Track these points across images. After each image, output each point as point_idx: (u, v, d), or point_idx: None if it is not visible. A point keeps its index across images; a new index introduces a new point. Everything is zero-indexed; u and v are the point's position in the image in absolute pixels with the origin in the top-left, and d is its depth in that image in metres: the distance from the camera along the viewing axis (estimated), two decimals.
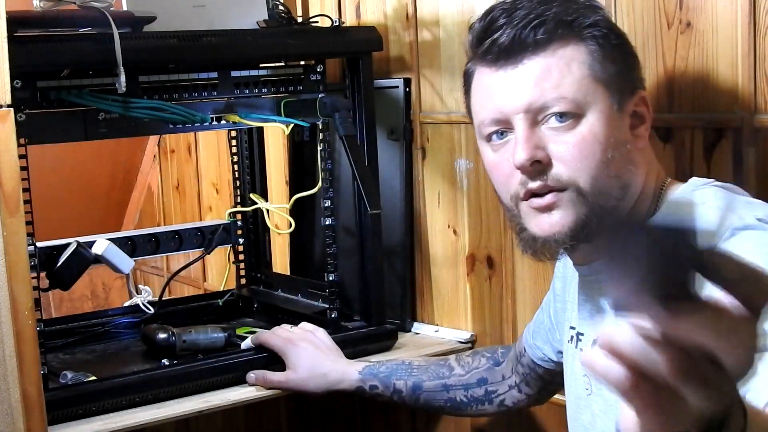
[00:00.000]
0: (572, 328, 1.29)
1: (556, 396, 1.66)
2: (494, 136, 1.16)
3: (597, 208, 1.11)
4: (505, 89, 1.13)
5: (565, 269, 1.34)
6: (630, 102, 1.15)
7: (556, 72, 1.11)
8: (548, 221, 1.12)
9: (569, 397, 1.31)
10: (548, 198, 1.11)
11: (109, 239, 1.73)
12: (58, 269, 1.66)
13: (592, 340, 1.21)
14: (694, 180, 1.18)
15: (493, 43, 1.12)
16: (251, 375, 1.59)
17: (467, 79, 1.21)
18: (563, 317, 1.35)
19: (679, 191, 1.17)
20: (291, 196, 1.92)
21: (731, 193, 1.13)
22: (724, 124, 1.36)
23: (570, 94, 1.10)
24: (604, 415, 1.18)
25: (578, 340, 1.25)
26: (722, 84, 1.35)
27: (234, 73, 1.67)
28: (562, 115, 1.10)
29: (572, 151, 1.10)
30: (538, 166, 1.11)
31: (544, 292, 1.46)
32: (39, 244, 1.56)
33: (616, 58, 1.14)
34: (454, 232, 1.86)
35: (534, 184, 1.12)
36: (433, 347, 1.75)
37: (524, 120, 1.11)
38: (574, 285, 1.30)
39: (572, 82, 1.10)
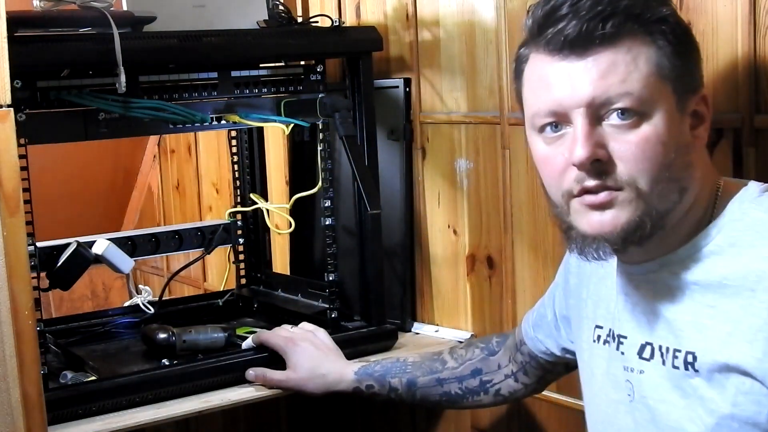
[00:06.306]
0: (599, 327, 1.24)
1: (557, 396, 1.66)
2: (548, 128, 1.11)
3: (653, 211, 1.07)
4: (566, 81, 1.08)
5: (581, 264, 1.28)
6: (692, 101, 1.10)
7: (623, 67, 1.05)
8: (599, 219, 1.08)
9: (598, 398, 1.25)
10: (602, 196, 1.07)
11: (109, 239, 1.74)
12: (58, 269, 1.66)
13: (639, 345, 1.15)
14: (753, 184, 1.13)
15: (558, 32, 1.07)
16: (251, 372, 1.59)
17: (519, 63, 1.15)
18: (580, 314, 1.30)
19: (739, 197, 1.11)
20: (291, 196, 1.92)
21: None
22: (724, 124, 1.36)
23: (636, 91, 1.05)
24: (648, 423, 1.14)
25: (619, 342, 1.19)
26: (722, 84, 1.35)
27: (234, 73, 1.67)
28: (624, 112, 1.05)
29: (634, 151, 1.05)
30: (597, 165, 1.06)
31: (544, 292, 1.46)
32: (39, 244, 1.56)
33: (683, 55, 1.08)
34: (454, 232, 1.86)
35: (591, 182, 1.07)
36: (433, 347, 1.75)
37: (585, 115, 1.06)
38: (596, 282, 1.26)
39: (639, 79, 1.05)
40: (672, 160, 1.07)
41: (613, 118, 1.06)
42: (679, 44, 1.08)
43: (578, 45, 1.06)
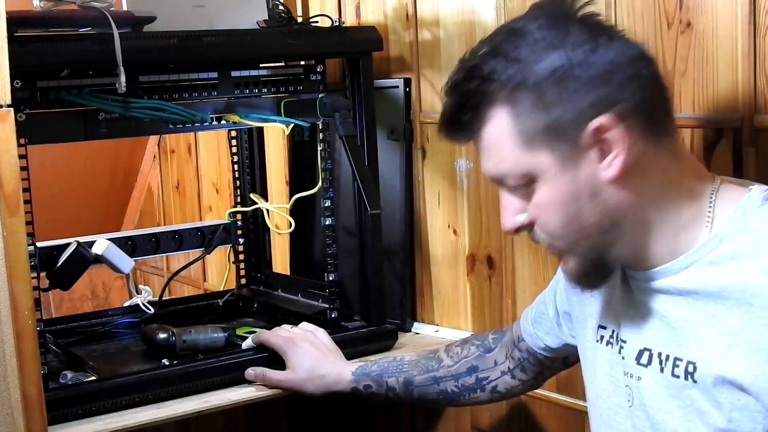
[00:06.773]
0: (602, 327, 1.23)
1: (557, 396, 1.66)
2: None
3: (590, 252, 1.09)
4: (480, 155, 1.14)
5: None
6: (584, 139, 1.04)
7: (494, 148, 1.09)
8: (563, 266, 1.15)
9: (600, 400, 1.24)
10: (549, 250, 1.14)
11: (109, 239, 1.74)
12: (58, 269, 1.66)
13: (638, 350, 1.15)
14: (757, 190, 1.09)
15: (444, 117, 1.15)
16: (250, 371, 1.59)
17: None
18: (584, 311, 1.29)
19: (742, 206, 1.07)
20: (291, 196, 1.92)
21: None
22: (724, 124, 1.36)
23: (510, 167, 1.08)
24: (647, 430, 1.14)
25: (620, 346, 1.18)
26: (722, 84, 1.35)
27: (234, 73, 1.67)
28: (515, 185, 1.10)
29: (539, 215, 1.10)
30: (525, 228, 1.12)
31: None
32: (39, 244, 1.56)
33: (552, 98, 1.04)
34: (454, 232, 1.86)
35: (535, 240, 1.14)
36: (433, 347, 1.75)
37: (499, 187, 1.13)
38: None
39: (508, 155, 1.07)
40: (578, 209, 1.07)
41: (515, 189, 1.11)
42: (545, 92, 1.04)
43: (461, 129, 1.12)
